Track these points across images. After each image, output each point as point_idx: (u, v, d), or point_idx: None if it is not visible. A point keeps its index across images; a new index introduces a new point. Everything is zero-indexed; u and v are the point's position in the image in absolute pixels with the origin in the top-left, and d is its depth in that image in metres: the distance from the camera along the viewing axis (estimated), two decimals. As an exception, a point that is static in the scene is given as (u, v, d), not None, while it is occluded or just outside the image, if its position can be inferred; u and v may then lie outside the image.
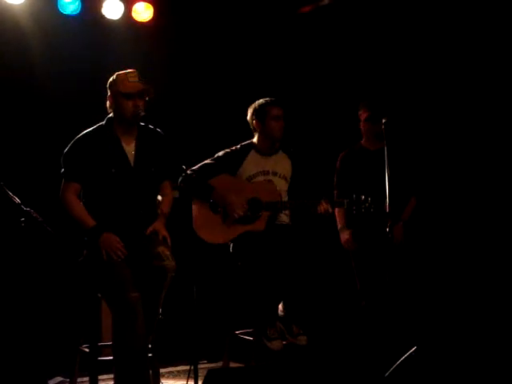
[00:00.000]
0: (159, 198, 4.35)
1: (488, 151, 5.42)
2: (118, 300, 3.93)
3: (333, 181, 5.32)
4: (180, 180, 4.55)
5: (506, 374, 3.71)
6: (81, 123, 4.38)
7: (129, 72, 4.16)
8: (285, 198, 4.79)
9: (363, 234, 5.16)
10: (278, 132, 4.83)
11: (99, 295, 4.19)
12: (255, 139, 4.93)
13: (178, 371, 5.18)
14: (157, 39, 5.90)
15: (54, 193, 4.33)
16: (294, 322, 4.61)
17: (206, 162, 4.86)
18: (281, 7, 6.21)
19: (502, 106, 5.36)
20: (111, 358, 3.97)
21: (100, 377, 4.29)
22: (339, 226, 5.27)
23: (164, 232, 4.17)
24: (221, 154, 4.90)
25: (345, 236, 5.22)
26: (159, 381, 4.32)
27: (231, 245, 4.77)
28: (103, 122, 4.24)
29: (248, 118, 4.92)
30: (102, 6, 5.62)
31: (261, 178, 4.84)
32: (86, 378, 4.31)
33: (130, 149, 4.20)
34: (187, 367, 4.30)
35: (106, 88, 4.21)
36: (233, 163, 4.86)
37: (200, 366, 4.19)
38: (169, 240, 4.17)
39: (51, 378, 4.85)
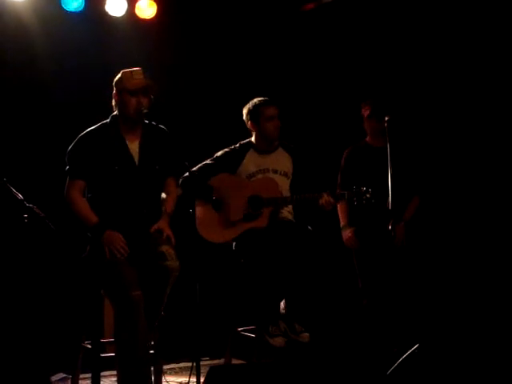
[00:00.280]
0: (163, 195, 4.36)
1: (491, 150, 5.42)
2: (121, 298, 3.93)
3: (336, 178, 5.32)
4: (180, 182, 4.56)
5: (508, 372, 3.71)
6: (84, 120, 4.38)
7: (134, 70, 4.18)
8: (286, 195, 4.78)
9: (365, 232, 5.16)
10: (274, 132, 4.82)
11: (102, 292, 4.20)
12: (253, 138, 4.93)
13: (181, 368, 5.18)
14: (160, 36, 5.90)
15: (56, 189, 4.34)
16: (297, 320, 4.61)
17: (205, 162, 4.86)
18: (284, 5, 6.21)
19: (505, 105, 5.35)
20: (114, 354, 3.98)
21: (102, 373, 4.30)
22: (341, 224, 5.27)
23: (168, 231, 4.17)
24: (220, 153, 4.89)
25: (347, 234, 5.22)
26: (161, 377, 4.32)
27: (234, 242, 4.77)
28: (107, 120, 4.25)
29: (243, 118, 4.92)
30: (105, 3, 5.62)
31: (260, 176, 4.83)
32: (89, 375, 4.32)
33: (134, 147, 4.21)
34: (189, 364, 4.31)
35: (111, 86, 4.23)
36: (232, 162, 4.86)
37: (202, 363, 4.18)
38: (173, 239, 4.17)
39: (54, 374, 4.85)
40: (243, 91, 5.44)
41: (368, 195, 4.63)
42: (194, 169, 4.78)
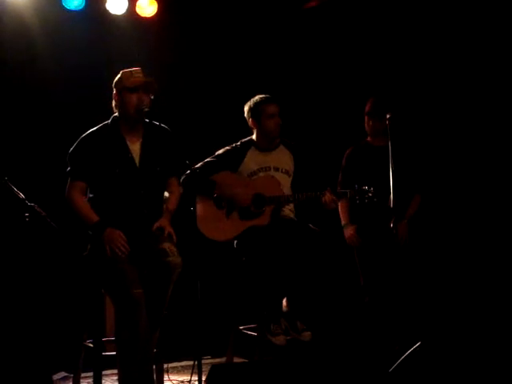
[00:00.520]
0: (166, 194, 4.35)
1: (493, 148, 5.41)
2: (121, 296, 3.93)
3: (337, 176, 5.31)
4: (182, 178, 4.56)
5: (509, 370, 3.71)
6: (85, 118, 4.38)
7: (134, 69, 4.18)
8: (288, 193, 4.78)
9: (367, 230, 5.16)
10: (275, 130, 4.81)
11: (103, 290, 4.20)
12: (254, 136, 4.92)
13: (182, 366, 5.18)
14: (161, 34, 5.90)
15: (57, 188, 4.34)
16: (298, 318, 4.61)
17: (206, 160, 4.86)
18: (286, 2, 6.20)
19: (506, 103, 5.34)
20: (115, 353, 3.97)
21: (104, 372, 4.29)
22: (343, 222, 5.27)
23: (169, 228, 4.17)
24: (221, 151, 4.89)
25: (349, 232, 5.22)
26: (163, 376, 4.32)
27: (235, 240, 4.76)
28: (108, 121, 4.24)
29: (245, 115, 4.91)
30: (106, 2, 5.61)
31: (262, 175, 4.83)
32: (90, 374, 4.31)
33: (135, 148, 4.20)
34: (191, 362, 4.31)
35: (112, 84, 4.21)
36: (233, 160, 4.85)
37: (204, 361, 4.18)
38: (174, 237, 4.17)
39: (55, 373, 4.85)
40: (244, 89, 5.43)
41: (370, 194, 4.62)
42: (197, 166, 4.78)
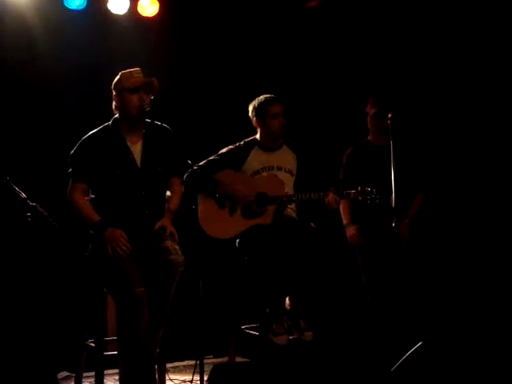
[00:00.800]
0: (168, 193, 4.35)
1: (495, 146, 5.41)
2: (124, 295, 3.93)
3: (339, 176, 5.31)
4: (185, 176, 4.56)
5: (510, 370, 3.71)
6: (86, 118, 4.39)
7: (133, 70, 4.18)
8: (291, 193, 4.78)
9: (369, 229, 5.15)
10: (278, 129, 4.82)
11: (105, 290, 4.20)
12: (258, 135, 4.93)
13: (184, 366, 5.18)
14: (162, 34, 5.90)
15: (59, 188, 4.35)
16: (301, 317, 4.61)
17: (210, 158, 4.86)
18: (287, 2, 6.20)
19: (507, 102, 5.34)
20: (117, 352, 3.97)
21: (106, 372, 4.29)
22: (345, 222, 5.27)
23: (171, 228, 4.17)
24: (224, 150, 4.89)
25: (351, 231, 5.22)
26: (165, 376, 4.32)
27: (237, 239, 4.77)
28: (109, 123, 4.24)
29: (249, 115, 4.92)
30: (107, 1, 5.61)
31: (265, 174, 4.83)
32: (92, 373, 4.32)
33: (136, 149, 4.20)
34: (193, 362, 4.31)
35: (111, 89, 4.21)
36: (237, 159, 4.85)
37: (206, 361, 4.19)
38: (176, 236, 4.17)
39: (57, 372, 4.85)
40: (246, 89, 5.44)
41: (373, 195, 4.63)
42: (200, 164, 4.78)
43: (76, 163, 4.17)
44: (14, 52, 5.37)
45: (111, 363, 4.25)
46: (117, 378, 4.07)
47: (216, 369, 3.61)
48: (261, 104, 4.83)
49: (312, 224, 4.68)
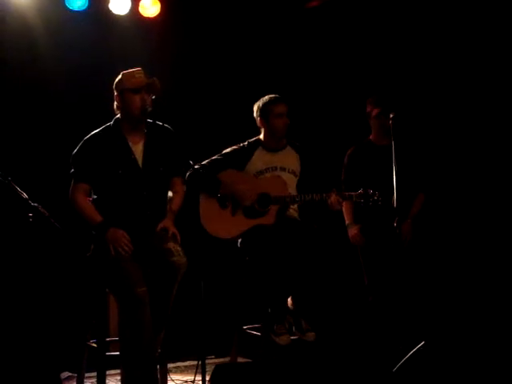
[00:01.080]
0: (170, 194, 4.35)
1: (497, 147, 5.41)
2: (126, 294, 3.93)
3: (340, 176, 5.31)
4: (188, 174, 4.56)
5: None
6: (87, 119, 4.38)
7: (135, 70, 4.19)
8: (294, 193, 4.78)
9: (371, 230, 5.15)
10: (282, 129, 4.82)
11: (107, 290, 4.20)
12: (262, 136, 4.93)
13: (186, 366, 5.18)
14: (164, 34, 5.90)
15: (61, 188, 4.35)
16: (304, 317, 4.61)
17: (213, 157, 4.86)
18: (288, 2, 6.20)
19: (509, 101, 5.34)
20: (119, 353, 3.97)
21: (107, 372, 4.30)
22: (347, 222, 5.26)
23: (173, 229, 4.17)
24: (228, 150, 4.89)
25: (353, 231, 5.22)
26: (167, 376, 4.32)
27: (239, 239, 4.76)
28: (111, 123, 4.24)
29: (254, 115, 4.92)
30: (109, 2, 5.61)
31: (269, 175, 4.83)
32: (94, 374, 4.32)
33: (138, 149, 4.21)
34: (195, 362, 4.31)
35: (113, 88, 4.22)
36: (240, 160, 4.86)
37: (208, 361, 4.19)
38: (178, 237, 4.17)
39: (60, 372, 4.85)
40: (247, 90, 5.44)
41: (375, 197, 4.63)
42: (203, 163, 4.78)
43: (78, 163, 4.17)
44: (16, 52, 5.37)
45: (113, 363, 4.26)
46: (119, 378, 4.07)
47: (218, 369, 3.61)
48: (265, 104, 4.84)
49: (314, 224, 4.68)
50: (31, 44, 5.46)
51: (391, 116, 4.77)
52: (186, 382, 4.70)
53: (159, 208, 4.24)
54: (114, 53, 5.61)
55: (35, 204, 3.95)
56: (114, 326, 4.69)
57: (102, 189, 4.18)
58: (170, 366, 4.49)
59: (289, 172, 4.86)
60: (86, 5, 5.55)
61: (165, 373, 4.28)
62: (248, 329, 4.80)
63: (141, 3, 5.80)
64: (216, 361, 5.21)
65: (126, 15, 5.72)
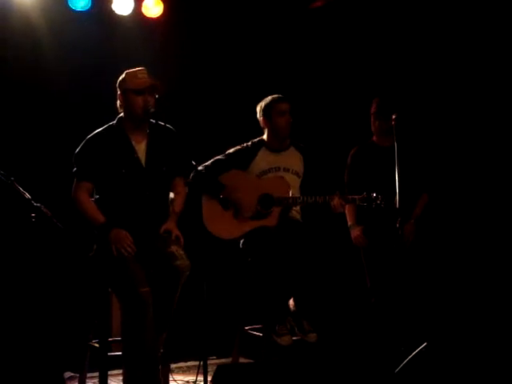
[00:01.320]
0: (172, 195, 4.35)
1: (500, 147, 5.40)
2: (128, 295, 3.93)
3: (343, 177, 5.31)
4: (191, 176, 4.56)
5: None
6: (90, 119, 4.38)
7: (138, 69, 4.18)
8: (297, 194, 4.78)
9: (374, 231, 5.15)
10: (285, 127, 4.82)
11: (110, 290, 4.20)
12: (265, 136, 4.93)
13: (188, 367, 5.18)
14: (167, 35, 5.90)
15: (63, 188, 4.35)
16: (305, 318, 4.61)
17: (216, 158, 4.86)
18: (292, 3, 6.20)
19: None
20: (121, 353, 3.97)
21: (110, 372, 4.30)
22: (349, 223, 5.26)
23: (176, 231, 4.17)
24: (231, 150, 4.90)
25: (355, 232, 5.21)
26: (169, 376, 4.32)
27: (241, 240, 4.77)
28: (114, 122, 4.24)
29: (257, 116, 4.93)
30: (112, 2, 5.61)
31: (272, 175, 4.83)
32: (96, 374, 4.32)
33: (141, 148, 4.21)
34: (197, 363, 4.31)
35: (116, 87, 4.22)
36: (244, 160, 4.86)
37: (209, 362, 4.19)
38: (181, 239, 4.17)
39: (63, 372, 4.85)
40: (251, 90, 5.44)
41: (378, 201, 4.63)
42: (206, 164, 4.78)
43: (81, 162, 4.17)
44: (19, 52, 5.38)
45: (115, 364, 4.25)
46: (121, 378, 4.08)
47: (220, 369, 3.61)
48: (268, 103, 4.86)
49: (316, 226, 4.68)
50: (34, 44, 5.46)
51: (393, 117, 4.78)
52: (188, 382, 4.71)
53: (161, 207, 4.24)
54: (117, 53, 5.61)
55: (38, 204, 3.95)
56: (116, 326, 4.71)
57: (104, 188, 4.18)
58: (172, 366, 4.50)
59: (292, 173, 4.86)
60: (89, 5, 5.55)
61: (167, 373, 4.28)
62: (250, 329, 4.80)
63: (144, 3, 5.80)
64: (218, 361, 5.21)
65: (129, 15, 5.72)
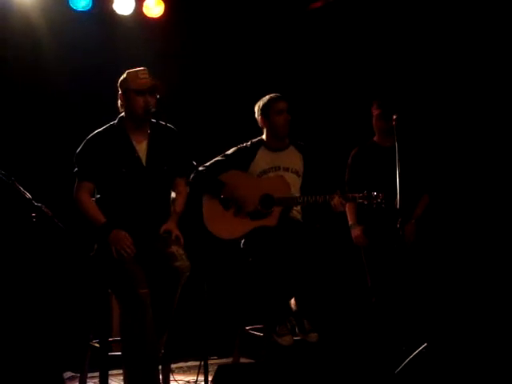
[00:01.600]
0: (173, 195, 4.35)
1: (500, 148, 5.40)
2: (128, 295, 3.93)
3: (344, 176, 5.31)
4: (191, 176, 4.56)
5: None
6: (91, 120, 4.38)
7: (139, 70, 4.18)
8: (297, 194, 4.78)
9: (374, 231, 5.15)
10: (284, 126, 4.82)
11: (109, 291, 4.20)
12: (264, 136, 4.93)
13: (189, 367, 5.18)
14: (168, 35, 5.90)
15: (64, 188, 4.35)
16: (306, 318, 4.61)
17: (216, 158, 4.86)
18: (291, 3, 6.20)
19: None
20: (121, 353, 3.97)
21: (110, 372, 4.30)
22: (350, 223, 5.27)
23: (177, 231, 4.17)
24: (231, 151, 4.90)
25: (356, 232, 5.22)
26: (169, 376, 4.32)
27: (242, 240, 4.77)
28: (115, 121, 4.25)
29: (255, 116, 4.93)
30: (113, 2, 5.62)
31: (272, 174, 4.83)
32: (96, 374, 4.32)
33: (141, 148, 4.21)
34: (197, 363, 4.31)
35: (117, 86, 4.22)
36: (243, 160, 4.86)
37: (210, 362, 4.18)
38: (182, 239, 4.17)
39: (63, 372, 4.85)
40: (251, 90, 5.43)
41: (379, 200, 4.63)
42: (206, 164, 4.79)
43: (82, 162, 4.17)
44: (19, 52, 5.38)
45: (116, 363, 4.25)
46: (121, 378, 4.08)
47: (220, 369, 3.61)
48: (265, 102, 4.85)
49: (317, 226, 4.68)
50: (34, 44, 5.46)
51: (394, 117, 4.78)
52: (189, 382, 4.71)
53: (162, 207, 4.24)
54: (118, 53, 5.61)
55: (39, 204, 3.95)
56: (116, 325, 4.69)
57: (105, 187, 4.18)
58: (172, 366, 4.49)
59: (292, 172, 4.86)
60: (90, 5, 5.55)
61: (168, 373, 4.28)
62: (250, 329, 4.80)
63: (145, 3, 5.80)
64: (218, 361, 5.21)
65: (130, 15, 5.73)
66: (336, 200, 4.62)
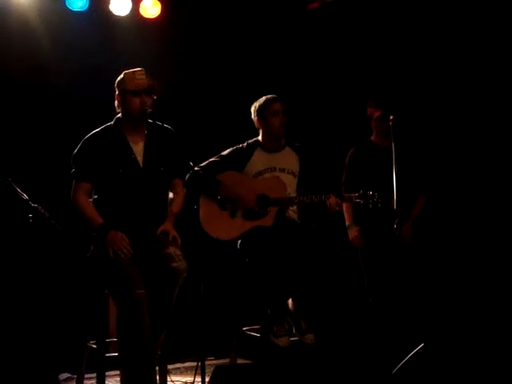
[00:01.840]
0: (171, 195, 4.35)
1: (498, 148, 5.41)
2: (124, 296, 3.93)
3: (341, 177, 5.32)
4: (187, 177, 4.56)
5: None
6: (88, 120, 4.38)
7: (136, 70, 4.17)
8: (293, 194, 4.78)
9: (371, 231, 5.15)
10: (279, 127, 4.83)
11: (106, 291, 4.20)
12: (260, 137, 4.93)
13: (186, 367, 5.18)
14: (164, 35, 5.90)
15: (61, 189, 4.35)
16: (303, 318, 4.61)
17: (212, 159, 4.86)
18: (289, 4, 6.20)
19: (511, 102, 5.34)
20: (117, 354, 3.97)
21: (107, 373, 4.29)
22: (347, 223, 5.27)
23: (174, 232, 4.17)
24: (227, 151, 4.90)
25: (353, 233, 5.22)
26: (166, 377, 4.32)
27: (239, 241, 4.77)
28: (111, 122, 4.24)
29: (252, 116, 4.93)
30: (109, 3, 5.61)
31: (268, 175, 4.84)
32: (93, 375, 4.32)
33: (138, 149, 4.20)
34: (194, 363, 4.31)
35: (114, 87, 4.22)
36: (239, 161, 4.86)
37: (207, 363, 4.18)
38: (179, 241, 4.17)
39: (58, 373, 4.85)
40: (248, 91, 5.44)
41: (375, 199, 4.63)
42: (202, 165, 4.79)
43: (79, 162, 4.17)
44: (16, 53, 5.37)
45: (113, 364, 4.25)
46: (118, 379, 4.07)
47: (218, 370, 3.61)
48: (261, 103, 4.86)
49: (314, 226, 4.69)
50: (31, 44, 5.45)
51: (391, 118, 4.78)
52: (186, 383, 4.70)
53: (159, 208, 4.24)
54: (115, 54, 5.61)
55: (35, 205, 3.95)
56: (113, 326, 4.67)
57: (102, 188, 4.18)
58: (169, 367, 4.49)
59: (288, 173, 4.86)
60: (87, 5, 5.54)
61: (164, 374, 4.28)
62: (247, 330, 4.80)
63: (141, 4, 5.80)
64: (215, 362, 5.21)
65: (127, 16, 5.72)
66: (332, 200, 4.63)
